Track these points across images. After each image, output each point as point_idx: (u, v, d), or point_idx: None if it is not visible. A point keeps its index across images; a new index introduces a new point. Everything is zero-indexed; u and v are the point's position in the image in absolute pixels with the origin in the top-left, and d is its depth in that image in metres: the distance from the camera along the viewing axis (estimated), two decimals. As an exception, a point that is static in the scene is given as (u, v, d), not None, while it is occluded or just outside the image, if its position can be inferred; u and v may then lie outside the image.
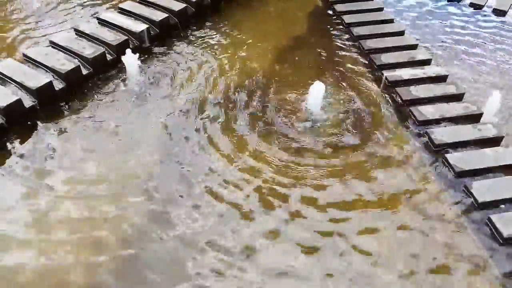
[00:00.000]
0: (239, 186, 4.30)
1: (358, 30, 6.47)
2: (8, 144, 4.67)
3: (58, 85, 5.24)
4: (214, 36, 6.45)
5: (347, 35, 6.53)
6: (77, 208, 4.06)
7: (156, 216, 4.05)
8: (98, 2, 7.12)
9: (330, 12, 7.06)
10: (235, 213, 4.07)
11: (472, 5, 7.35)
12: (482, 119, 5.02)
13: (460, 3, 7.42)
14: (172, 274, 3.63)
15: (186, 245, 3.79)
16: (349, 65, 5.97)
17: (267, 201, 4.18)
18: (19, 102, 4.84)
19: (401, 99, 5.31)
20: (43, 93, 5.06)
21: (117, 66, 5.67)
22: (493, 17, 7.12)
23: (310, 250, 3.81)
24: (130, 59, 5.40)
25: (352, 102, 5.35)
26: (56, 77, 5.29)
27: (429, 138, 4.79)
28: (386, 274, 3.66)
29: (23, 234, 3.85)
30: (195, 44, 6.26)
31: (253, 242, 3.84)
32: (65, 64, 5.38)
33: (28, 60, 5.51)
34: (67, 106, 5.16)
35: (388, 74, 5.62)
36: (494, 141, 4.77)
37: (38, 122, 4.93)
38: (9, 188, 4.26)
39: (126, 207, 4.10)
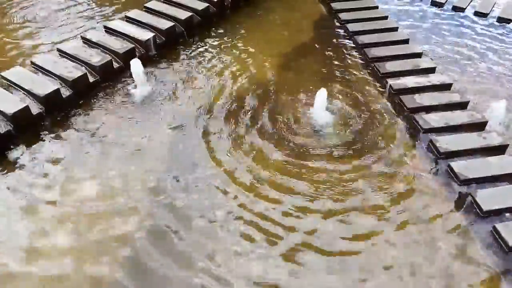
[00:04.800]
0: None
1: (362, 39, 6.50)
2: (15, 151, 4.72)
3: (66, 92, 5.31)
4: (219, 44, 6.52)
5: (351, 43, 6.57)
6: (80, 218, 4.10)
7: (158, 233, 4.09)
8: (105, 10, 7.22)
9: (334, 20, 7.12)
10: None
11: (476, 13, 7.38)
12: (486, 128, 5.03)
13: (463, 12, 7.46)
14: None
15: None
16: (353, 74, 6.00)
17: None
18: (26, 109, 4.90)
19: (406, 107, 5.32)
20: (51, 101, 5.12)
21: (124, 74, 5.73)
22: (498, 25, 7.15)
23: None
24: (137, 67, 5.46)
25: (356, 110, 5.37)
26: (63, 85, 5.36)
27: (434, 146, 4.79)
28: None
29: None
30: (201, 53, 6.32)
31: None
32: (73, 72, 5.45)
33: (36, 67, 5.59)
34: (74, 114, 5.21)
35: (392, 82, 5.64)
36: (499, 149, 4.76)
37: (45, 130, 4.98)
38: (12, 195, 4.29)
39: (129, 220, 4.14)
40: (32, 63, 5.63)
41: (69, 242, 3.87)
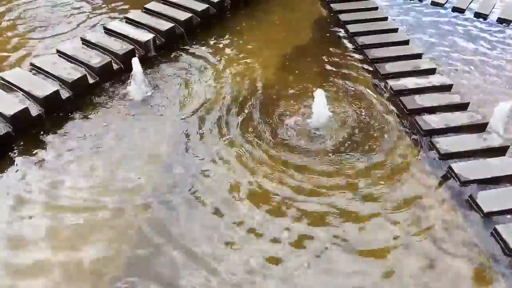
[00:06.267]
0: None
1: (362, 40, 6.49)
2: (14, 152, 4.71)
3: (65, 93, 5.30)
4: (219, 45, 6.51)
5: (351, 44, 6.57)
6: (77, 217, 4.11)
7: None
8: (104, 12, 7.21)
9: (334, 21, 7.11)
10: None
11: (476, 14, 7.37)
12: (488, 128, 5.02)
13: (463, 13, 7.46)
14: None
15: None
16: (353, 74, 5.99)
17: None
18: (26, 110, 4.89)
19: (406, 108, 5.31)
20: (50, 102, 5.11)
21: (123, 75, 5.72)
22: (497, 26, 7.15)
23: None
24: (136, 69, 5.45)
25: (356, 111, 5.35)
26: (63, 86, 5.35)
27: (434, 147, 4.78)
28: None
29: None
30: (200, 54, 6.31)
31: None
32: (72, 73, 5.44)
33: (35, 69, 5.58)
34: (73, 115, 5.20)
35: (392, 83, 5.63)
36: (499, 151, 4.75)
37: (45, 131, 4.97)
38: (12, 196, 4.28)
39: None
40: (32, 64, 5.62)
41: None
